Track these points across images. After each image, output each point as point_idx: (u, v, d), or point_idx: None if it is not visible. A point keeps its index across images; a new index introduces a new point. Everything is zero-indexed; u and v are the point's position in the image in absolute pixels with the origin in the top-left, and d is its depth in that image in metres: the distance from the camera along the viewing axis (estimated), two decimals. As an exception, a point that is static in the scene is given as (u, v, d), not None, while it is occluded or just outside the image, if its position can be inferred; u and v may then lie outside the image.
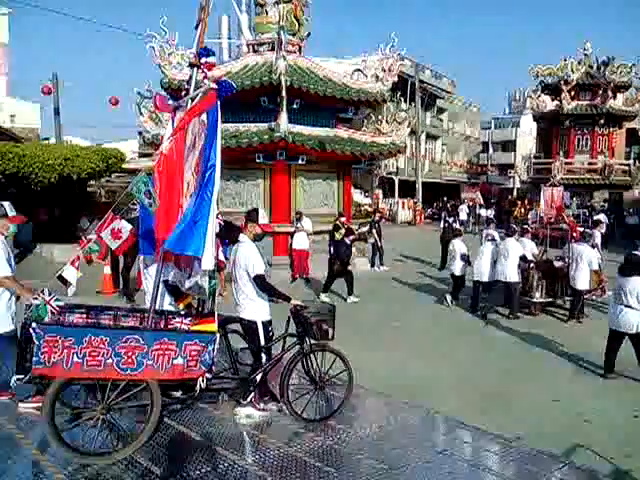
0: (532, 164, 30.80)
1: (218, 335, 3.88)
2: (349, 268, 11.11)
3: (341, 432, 4.66)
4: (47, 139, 24.14)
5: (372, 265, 14.95)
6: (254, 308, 4.81)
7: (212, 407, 4.88)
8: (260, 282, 4.71)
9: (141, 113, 14.03)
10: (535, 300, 9.96)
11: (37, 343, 3.45)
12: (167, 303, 4.71)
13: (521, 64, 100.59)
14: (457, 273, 10.67)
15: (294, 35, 15.12)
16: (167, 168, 3.92)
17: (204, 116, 3.98)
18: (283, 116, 12.58)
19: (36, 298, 3.81)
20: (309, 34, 16.21)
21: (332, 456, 4.18)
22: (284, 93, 12.65)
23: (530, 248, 10.56)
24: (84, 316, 4.17)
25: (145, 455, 3.89)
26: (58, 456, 3.74)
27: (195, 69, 4.27)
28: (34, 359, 3.46)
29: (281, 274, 12.11)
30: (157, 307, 4.16)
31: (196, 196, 3.85)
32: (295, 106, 13.55)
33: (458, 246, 10.69)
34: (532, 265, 9.95)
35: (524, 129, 46.64)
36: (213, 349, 3.80)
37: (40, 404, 4.07)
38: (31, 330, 3.49)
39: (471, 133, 50.26)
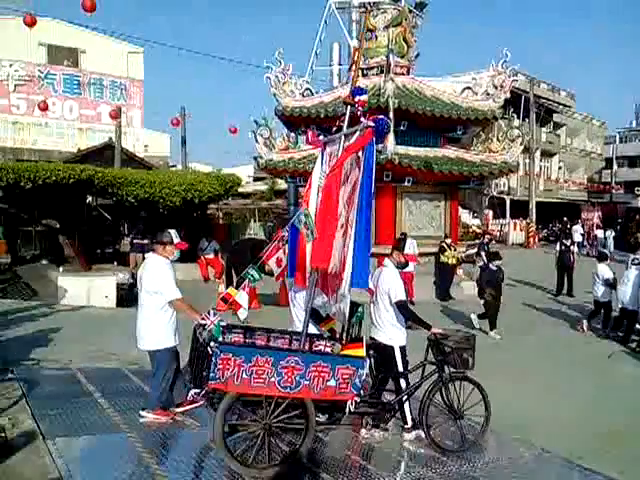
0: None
1: (368, 360, 4.09)
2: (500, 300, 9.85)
3: (448, 464, 4.55)
4: (174, 166, 26.46)
5: (481, 288, 14.43)
6: (392, 333, 4.93)
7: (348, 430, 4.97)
8: (401, 308, 4.83)
9: (257, 140, 14.89)
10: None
11: (214, 360, 3.73)
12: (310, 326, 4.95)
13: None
14: (601, 299, 9.97)
15: (403, 57, 15.30)
16: (324, 201, 4.20)
17: (360, 152, 4.17)
18: (390, 138, 12.66)
19: (203, 319, 4.14)
20: (418, 55, 16.31)
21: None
22: (391, 115, 12.80)
23: None
24: (241, 336, 4.58)
25: (294, 475, 4.06)
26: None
27: (348, 107, 4.50)
28: (211, 375, 3.74)
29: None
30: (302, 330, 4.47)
31: (357, 230, 4.03)
32: (402, 127, 13.64)
33: (602, 270, 9.92)
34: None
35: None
36: (363, 373, 4.03)
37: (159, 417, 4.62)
38: (209, 349, 3.79)
39: (592, 149, 46.75)
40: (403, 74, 15.11)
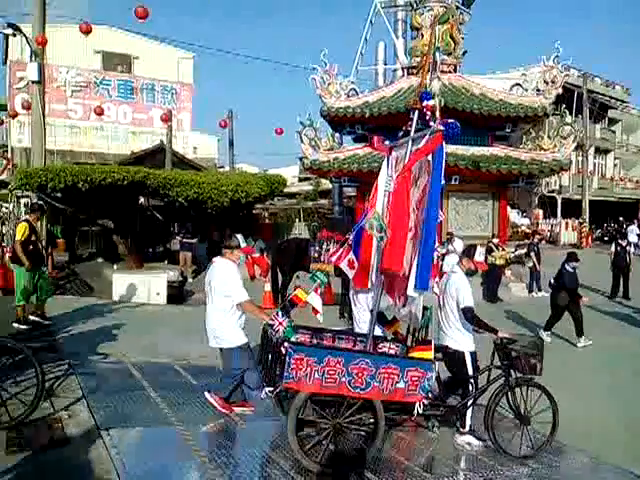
0: None
1: (437, 364, 4.15)
2: (580, 303, 9.35)
3: (500, 469, 4.48)
4: (222, 167, 27.03)
5: (530, 291, 14.01)
6: (461, 338, 4.94)
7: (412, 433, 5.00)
8: (468, 314, 4.83)
9: (302, 141, 15.03)
10: None
11: (288, 360, 3.83)
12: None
13: None
14: None
15: (449, 55, 15.12)
16: (394, 205, 4.28)
17: (429, 156, 4.21)
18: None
19: (272, 319, 4.29)
20: (465, 52, 16.06)
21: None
22: (438, 114, 12.65)
23: None
24: (308, 336, 4.71)
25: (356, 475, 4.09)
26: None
27: (416, 112, 4.57)
28: (285, 374, 3.84)
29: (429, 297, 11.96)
30: (365, 332, 4.58)
31: (424, 234, 4.08)
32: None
33: None
34: None
35: None
36: (431, 376, 4.09)
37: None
38: (282, 349, 3.91)
39: (652, 145, 44.52)
40: (450, 72, 14.92)
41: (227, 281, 4.82)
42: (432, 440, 4.93)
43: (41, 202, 8.28)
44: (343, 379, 3.88)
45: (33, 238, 7.83)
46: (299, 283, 11.23)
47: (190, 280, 14.09)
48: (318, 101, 15.57)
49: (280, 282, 10.71)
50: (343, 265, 4.91)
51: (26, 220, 7.99)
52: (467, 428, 4.86)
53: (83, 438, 4.25)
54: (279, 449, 4.37)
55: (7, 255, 12.91)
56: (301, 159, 15.68)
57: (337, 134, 16.09)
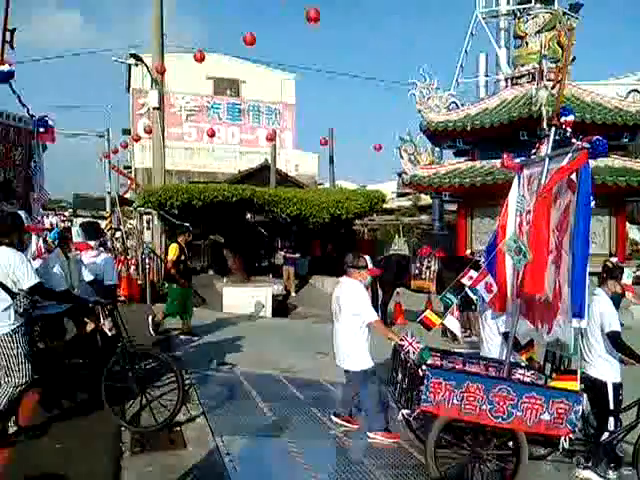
0: None
1: (585, 396, 3.95)
2: None
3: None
4: (322, 184, 27.76)
5: (655, 313, 12.82)
6: (604, 367, 4.62)
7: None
8: (615, 340, 4.49)
9: (401, 156, 15.06)
10: None
11: (426, 383, 3.78)
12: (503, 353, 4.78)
13: None
14: None
15: (556, 62, 14.42)
16: (534, 226, 4.14)
17: (573, 175, 4.02)
18: (544, 149, 12.02)
19: (402, 340, 4.37)
20: (574, 59, 15.23)
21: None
22: (545, 125, 12.13)
23: None
24: (438, 359, 4.61)
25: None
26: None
27: (552, 128, 4.48)
28: (422, 397, 3.79)
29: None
30: (498, 357, 4.53)
31: (575, 258, 3.88)
32: (557, 137, 12.82)
33: None
34: None
35: None
36: (579, 409, 3.86)
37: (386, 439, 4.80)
38: (420, 372, 3.91)
39: None
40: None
41: (356, 301, 4.85)
42: (549, 473, 4.65)
43: (188, 224, 9.01)
44: (483, 407, 3.76)
45: (183, 258, 8.50)
46: (399, 300, 11.26)
47: (293, 294, 14.61)
48: (417, 116, 15.55)
49: (380, 299, 10.78)
50: (480, 288, 4.71)
51: (176, 241, 8.64)
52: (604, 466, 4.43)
53: (199, 443, 4.47)
54: (387, 467, 4.36)
55: (132, 267, 14.26)
56: (400, 175, 15.70)
57: (437, 149, 15.93)
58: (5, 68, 5.30)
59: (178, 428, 4.69)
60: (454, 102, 15.77)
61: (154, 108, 15.30)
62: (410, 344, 4.21)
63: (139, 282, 12.94)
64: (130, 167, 28.11)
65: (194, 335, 8.70)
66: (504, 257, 4.44)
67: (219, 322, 10.18)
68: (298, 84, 30.39)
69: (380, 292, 10.69)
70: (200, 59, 14.09)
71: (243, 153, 27.99)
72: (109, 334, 4.93)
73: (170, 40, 22.33)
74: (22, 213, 4.39)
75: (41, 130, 5.70)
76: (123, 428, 4.62)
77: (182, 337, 8.56)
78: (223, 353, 7.78)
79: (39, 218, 5.89)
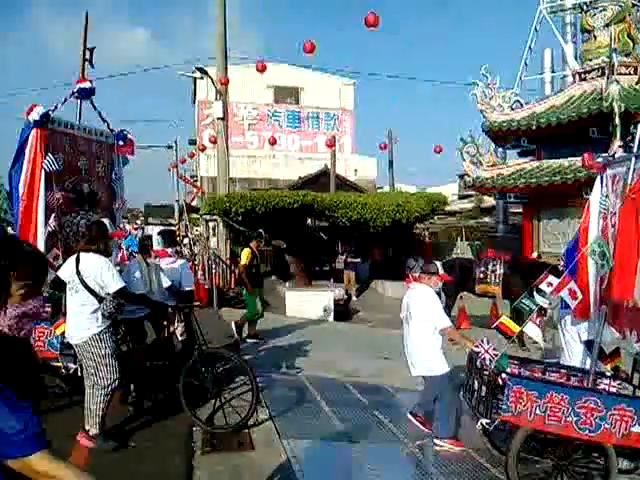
0: None
1: None
2: None
3: None
4: (381, 188, 27.71)
5: None
6: None
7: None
8: None
9: (463, 158, 14.78)
10: None
11: (507, 392, 3.71)
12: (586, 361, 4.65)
13: None
14: None
15: (628, 55, 13.72)
16: (622, 229, 4.01)
17: None
18: (616, 146, 11.47)
19: (477, 346, 4.33)
20: (648, 50, 14.42)
21: None
22: (617, 121, 11.58)
23: None
24: (516, 367, 4.50)
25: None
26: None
27: (639, 125, 4.28)
28: (503, 407, 3.72)
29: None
30: (580, 365, 4.43)
31: None
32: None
33: None
34: None
35: None
36: None
37: (452, 447, 4.70)
38: (500, 380, 3.88)
39: None
40: (629, 74, 13.50)
41: (427, 307, 4.80)
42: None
43: (261, 230, 9.26)
44: (569, 418, 3.63)
45: (255, 262, 8.79)
46: (463, 304, 11.07)
47: (354, 299, 14.68)
48: (479, 117, 15.21)
49: (444, 303, 10.61)
50: (564, 295, 4.54)
51: (249, 246, 8.90)
52: None
53: (267, 445, 4.56)
54: (454, 476, 4.31)
55: (199, 273, 14.82)
56: (462, 177, 15.43)
57: (500, 149, 15.52)
58: (87, 85, 5.65)
59: (246, 430, 4.79)
60: (518, 100, 15.29)
61: (218, 118, 15.86)
62: (487, 351, 4.12)
63: (206, 287, 13.43)
64: (196, 176, 29.19)
65: (260, 339, 8.95)
66: (586, 262, 4.27)
67: (283, 326, 10.40)
68: (357, 89, 30.52)
69: (443, 296, 10.56)
70: (262, 69, 14.47)
71: (303, 159, 28.40)
72: (179, 338, 5.18)
73: (233, 52, 23.07)
74: (106, 221, 4.68)
75: (120, 143, 6.09)
76: (195, 428, 4.76)
77: (248, 340, 8.83)
78: (288, 357, 7.93)
79: (121, 226, 6.27)
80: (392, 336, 10.23)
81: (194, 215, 23.16)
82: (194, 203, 25.28)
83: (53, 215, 5.15)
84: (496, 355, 4.16)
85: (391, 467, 4.50)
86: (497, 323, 4.37)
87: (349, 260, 15.88)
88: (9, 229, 13.95)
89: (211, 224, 19.95)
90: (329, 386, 6.68)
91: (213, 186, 21.16)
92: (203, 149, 22.57)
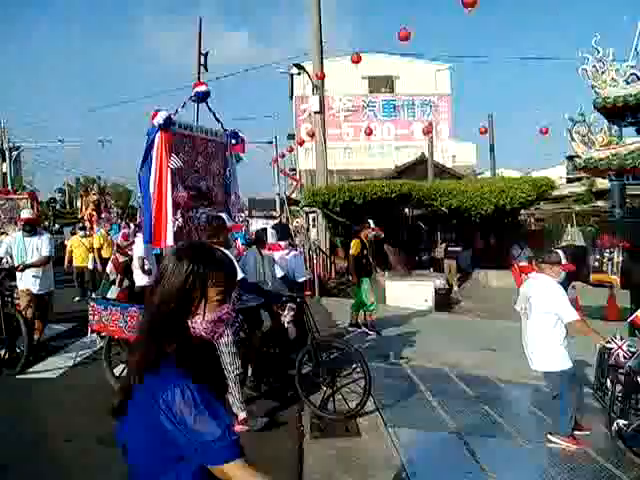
0: None
1: None
2: None
3: None
4: (481, 173, 26.68)
5: None
6: None
7: None
8: None
9: (573, 139, 13.85)
10: None
11: None
12: None
13: None
14: None
15: None
16: None
17: None
18: None
19: (609, 342, 4.16)
20: None
21: None
22: None
23: None
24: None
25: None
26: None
27: None
28: None
29: None
30: None
31: None
32: None
33: None
34: None
35: None
36: None
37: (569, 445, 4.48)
38: (639, 379, 3.79)
39: None
40: None
41: (551, 298, 4.55)
42: None
43: (370, 220, 9.20)
44: None
45: (365, 252, 8.95)
46: (575, 294, 10.45)
47: (456, 288, 14.37)
48: (590, 94, 14.12)
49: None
50: None
51: (358, 237, 9.03)
52: None
53: (373, 432, 4.63)
54: (572, 477, 4.09)
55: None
56: (571, 158, 14.47)
57: (615, 127, 14.30)
58: (203, 89, 6.00)
59: (353, 417, 4.89)
60: (634, 74, 13.98)
61: (315, 112, 16.19)
62: (620, 347, 3.91)
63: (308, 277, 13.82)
64: (295, 169, 29.97)
65: (359, 328, 9.10)
66: None
67: (384, 315, 10.46)
68: (454, 73, 29.55)
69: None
70: (357, 61, 14.53)
71: (399, 148, 28.10)
72: (286, 326, 5.44)
73: (328, 47, 23.32)
74: (224, 215, 5.00)
75: (233, 142, 6.47)
76: (303, 413, 4.97)
77: (350, 329, 9.01)
78: (391, 346, 8.00)
79: (238, 219, 6.67)
80: (496, 327, 9.93)
81: (294, 207, 23.84)
82: (293, 196, 26.01)
83: (179, 211, 5.58)
84: (631, 352, 3.91)
85: (502, 463, 4.36)
86: (633, 317, 4.08)
87: (449, 249, 15.54)
88: (130, 225, 15.30)
89: (311, 216, 20.44)
90: (433, 377, 6.66)
91: (312, 178, 21.63)
92: (301, 143, 23.12)
